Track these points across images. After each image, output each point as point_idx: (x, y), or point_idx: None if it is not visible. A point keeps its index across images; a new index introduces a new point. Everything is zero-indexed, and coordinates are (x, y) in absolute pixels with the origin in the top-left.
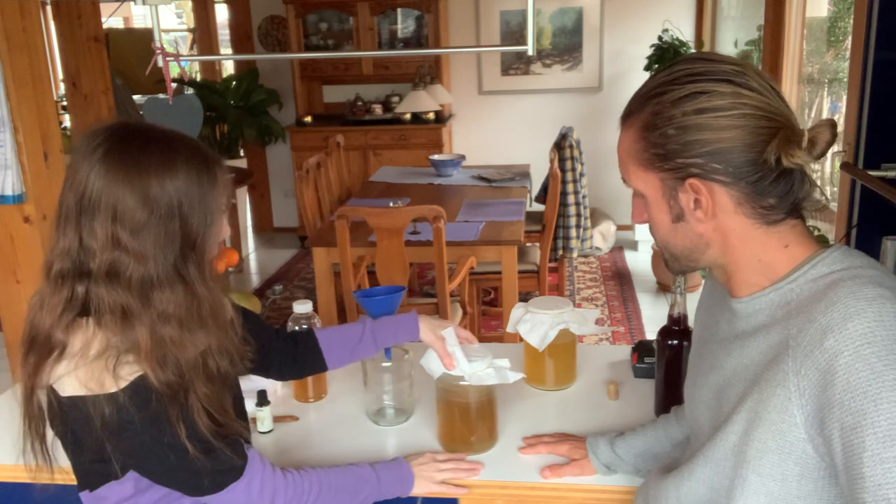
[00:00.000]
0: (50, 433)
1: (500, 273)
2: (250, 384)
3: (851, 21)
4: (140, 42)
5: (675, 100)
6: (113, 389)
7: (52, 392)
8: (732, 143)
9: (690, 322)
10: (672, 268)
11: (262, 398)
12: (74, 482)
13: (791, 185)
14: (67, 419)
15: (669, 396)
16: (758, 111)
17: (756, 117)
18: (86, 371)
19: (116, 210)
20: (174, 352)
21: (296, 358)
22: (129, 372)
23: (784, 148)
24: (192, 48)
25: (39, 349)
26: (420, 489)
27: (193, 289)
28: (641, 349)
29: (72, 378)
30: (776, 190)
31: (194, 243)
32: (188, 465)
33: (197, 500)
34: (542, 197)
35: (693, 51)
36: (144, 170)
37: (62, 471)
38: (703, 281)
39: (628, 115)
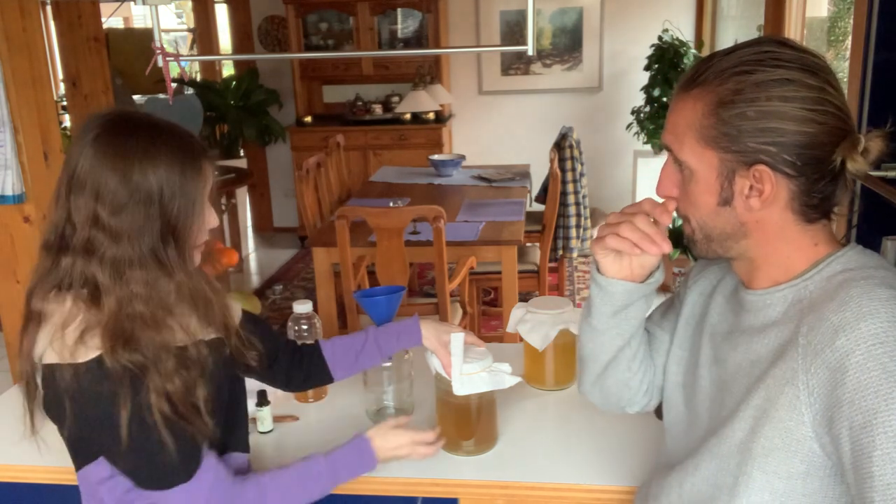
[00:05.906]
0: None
1: (500, 273)
2: (250, 384)
3: (851, 21)
4: (140, 42)
5: (761, 82)
6: (79, 360)
7: (39, 365)
8: (809, 138)
9: None
10: (700, 249)
11: (262, 398)
12: (75, 482)
13: (836, 188)
14: (47, 390)
15: None
16: (838, 111)
17: (836, 117)
18: (61, 341)
19: (99, 191)
20: (143, 331)
21: (302, 369)
22: (96, 346)
23: (849, 152)
24: (192, 48)
25: (25, 319)
26: (385, 455)
27: (171, 272)
28: None
29: (51, 348)
30: (826, 191)
31: (175, 229)
32: (131, 451)
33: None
34: (542, 197)
35: (694, 51)
36: (129, 156)
37: (62, 470)
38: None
39: (700, 84)
